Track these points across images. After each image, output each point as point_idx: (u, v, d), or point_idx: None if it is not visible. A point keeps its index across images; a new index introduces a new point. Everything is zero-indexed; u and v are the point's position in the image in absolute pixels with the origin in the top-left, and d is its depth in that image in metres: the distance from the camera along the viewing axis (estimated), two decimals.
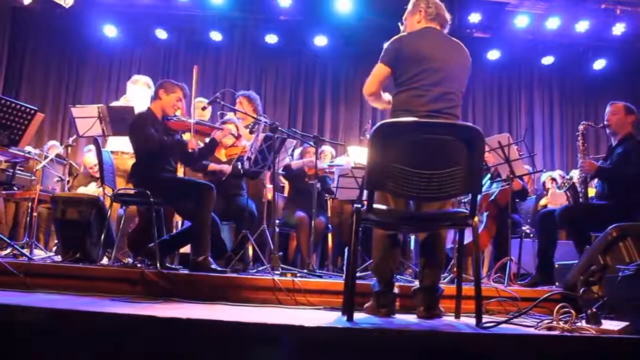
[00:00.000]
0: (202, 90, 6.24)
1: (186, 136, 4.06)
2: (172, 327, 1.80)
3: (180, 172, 4.18)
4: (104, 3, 7.13)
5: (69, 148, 4.80)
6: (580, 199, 3.65)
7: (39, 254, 4.37)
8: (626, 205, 3.33)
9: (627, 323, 1.97)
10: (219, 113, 5.04)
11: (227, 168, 4.19)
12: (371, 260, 3.82)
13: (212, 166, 4.21)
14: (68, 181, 4.99)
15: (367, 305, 2.63)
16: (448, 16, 2.81)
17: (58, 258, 3.80)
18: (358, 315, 2.33)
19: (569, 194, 3.82)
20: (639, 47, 6.31)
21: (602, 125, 3.77)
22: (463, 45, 2.78)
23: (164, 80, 3.75)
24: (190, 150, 3.59)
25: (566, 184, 3.83)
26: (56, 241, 4.53)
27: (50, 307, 1.96)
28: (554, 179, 5.62)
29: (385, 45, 2.74)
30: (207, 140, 3.77)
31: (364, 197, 3.97)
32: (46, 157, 4.91)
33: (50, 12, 7.14)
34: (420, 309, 2.55)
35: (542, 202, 5.40)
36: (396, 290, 2.66)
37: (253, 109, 4.57)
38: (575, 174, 3.78)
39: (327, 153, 5.57)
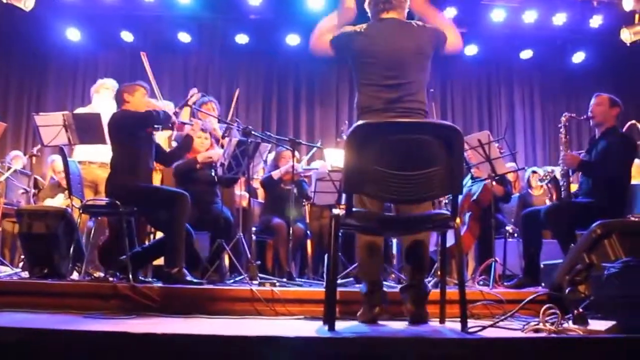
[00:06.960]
0: (172, 93, 6.05)
1: (162, 136, 3.95)
2: (148, 343, 1.74)
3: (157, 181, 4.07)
4: (66, 5, 6.87)
5: (34, 158, 4.63)
6: (563, 193, 3.61)
7: (4, 270, 4.21)
8: (611, 202, 3.32)
9: (613, 322, 1.95)
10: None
11: (216, 154, 4.04)
12: (353, 266, 3.78)
13: (202, 156, 4.02)
14: (34, 193, 4.80)
15: (359, 312, 2.55)
16: None
17: (25, 274, 3.67)
18: (340, 325, 2.28)
19: (549, 187, 3.79)
20: (617, 39, 6.30)
21: (585, 116, 3.73)
22: (419, 25, 2.66)
23: (122, 85, 3.64)
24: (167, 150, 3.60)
25: (547, 176, 3.79)
26: (22, 257, 4.35)
27: (20, 326, 1.88)
28: (534, 172, 5.55)
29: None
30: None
31: (342, 201, 3.90)
32: (9, 168, 4.72)
33: (9, 16, 6.85)
34: (408, 305, 2.46)
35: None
36: (385, 289, 2.60)
37: (217, 114, 4.48)
38: (557, 169, 3.74)
39: (298, 157, 5.45)
